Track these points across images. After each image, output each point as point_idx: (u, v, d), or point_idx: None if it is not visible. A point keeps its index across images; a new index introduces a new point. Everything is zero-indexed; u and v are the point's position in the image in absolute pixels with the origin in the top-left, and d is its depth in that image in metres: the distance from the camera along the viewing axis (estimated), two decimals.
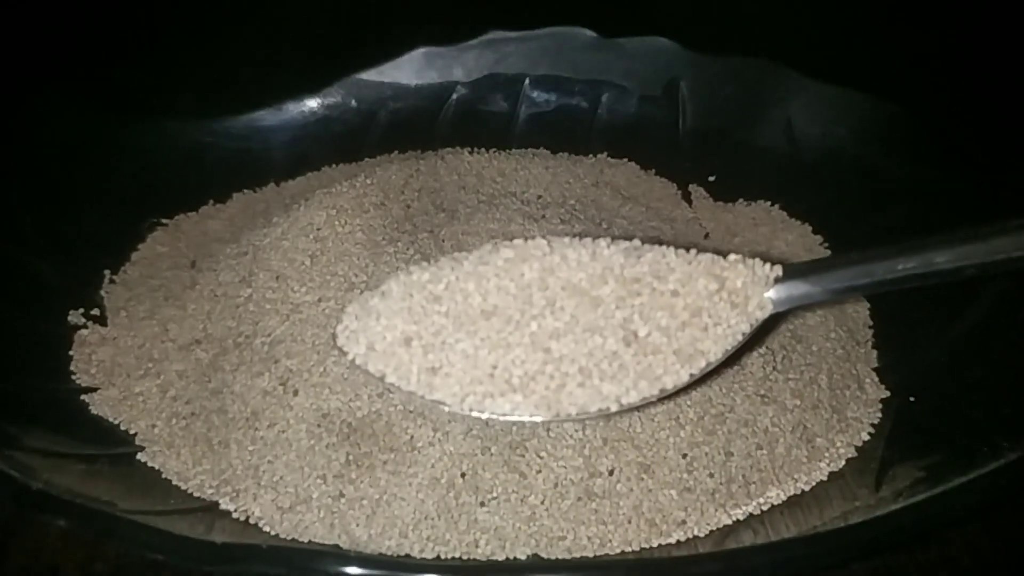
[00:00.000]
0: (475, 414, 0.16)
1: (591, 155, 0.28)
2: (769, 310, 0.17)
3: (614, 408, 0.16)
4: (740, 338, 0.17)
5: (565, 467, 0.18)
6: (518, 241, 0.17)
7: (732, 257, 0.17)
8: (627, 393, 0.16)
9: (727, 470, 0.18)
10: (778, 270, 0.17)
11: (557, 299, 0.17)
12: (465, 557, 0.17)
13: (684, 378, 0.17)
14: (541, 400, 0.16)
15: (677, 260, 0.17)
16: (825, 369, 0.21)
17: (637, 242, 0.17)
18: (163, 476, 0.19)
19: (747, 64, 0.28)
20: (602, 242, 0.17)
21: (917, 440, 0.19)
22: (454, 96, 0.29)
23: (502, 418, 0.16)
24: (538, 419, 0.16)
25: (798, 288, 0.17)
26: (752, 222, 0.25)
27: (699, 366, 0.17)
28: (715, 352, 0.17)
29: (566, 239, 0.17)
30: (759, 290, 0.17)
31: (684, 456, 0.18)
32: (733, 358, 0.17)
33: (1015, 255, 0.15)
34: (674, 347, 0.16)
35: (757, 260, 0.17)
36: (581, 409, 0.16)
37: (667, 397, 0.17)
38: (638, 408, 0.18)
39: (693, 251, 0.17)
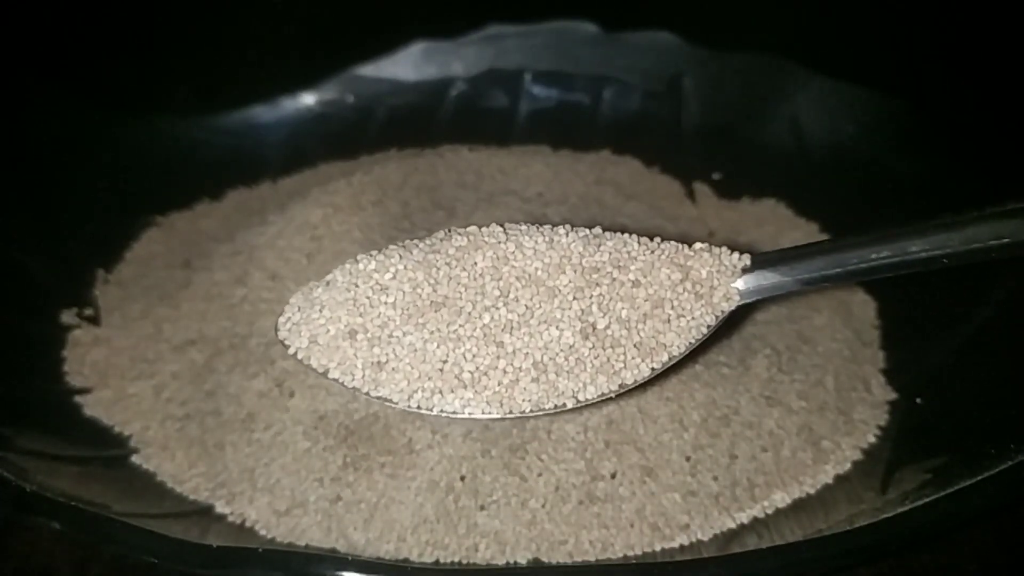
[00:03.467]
0: (423, 412, 0.16)
1: (593, 152, 0.27)
2: (736, 301, 0.16)
3: (570, 405, 0.16)
4: (705, 331, 0.16)
5: (566, 470, 0.18)
6: (472, 228, 0.16)
7: (697, 245, 0.17)
8: (584, 388, 0.16)
9: (731, 473, 0.18)
10: (746, 259, 0.17)
11: (511, 289, 0.16)
12: (464, 562, 0.17)
13: (645, 372, 0.16)
14: (493, 396, 0.16)
15: (639, 248, 0.16)
16: (831, 370, 0.20)
17: (598, 229, 0.17)
18: (157, 479, 0.18)
19: (753, 59, 0.27)
20: (561, 230, 0.16)
21: (924, 442, 0.19)
22: (453, 92, 0.29)
23: (452, 416, 0.16)
24: (489, 416, 0.16)
25: (767, 278, 0.16)
26: (758, 220, 0.25)
27: (661, 360, 0.16)
28: (678, 345, 0.16)
29: (523, 226, 0.16)
30: (726, 280, 0.16)
31: (688, 459, 0.18)
32: (699, 351, 0.17)
33: (990, 244, 0.15)
34: (634, 340, 0.16)
35: (724, 249, 0.17)
36: (535, 406, 0.16)
37: (627, 392, 0.16)
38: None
39: (656, 239, 0.17)
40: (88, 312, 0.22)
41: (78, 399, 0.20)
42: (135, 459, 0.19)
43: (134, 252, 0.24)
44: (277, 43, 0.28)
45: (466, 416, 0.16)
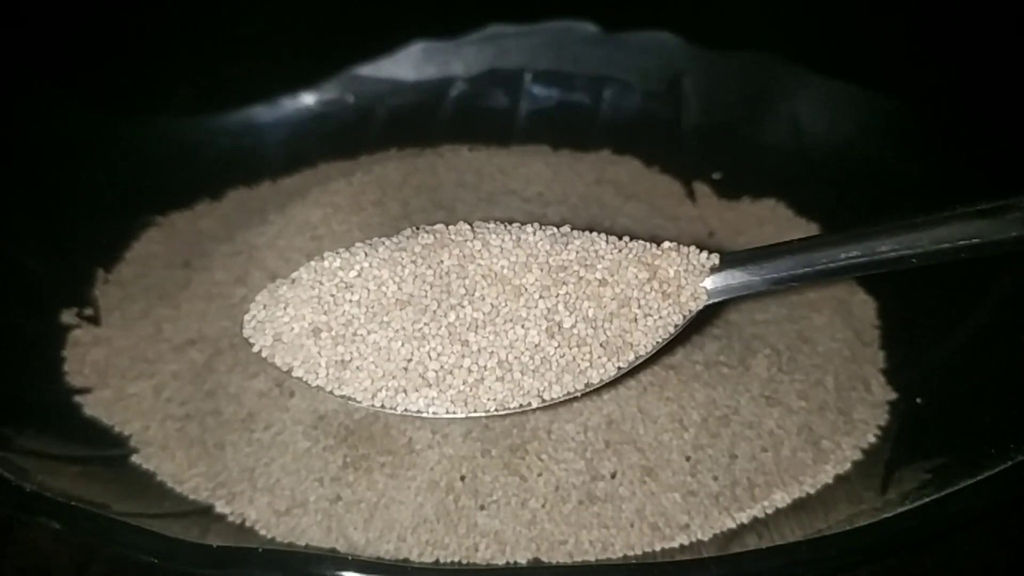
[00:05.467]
0: (387, 411, 0.16)
1: (593, 152, 0.27)
2: (704, 301, 0.16)
3: (535, 404, 0.16)
4: (672, 330, 0.16)
5: (566, 470, 0.18)
6: (439, 226, 0.16)
7: (666, 244, 0.17)
8: (549, 388, 0.16)
9: (731, 473, 0.18)
10: (715, 258, 0.17)
11: (477, 288, 0.16)
12: (464, 561, 0.17)
13: (611, 372, 0.16)
14: (458, 395, 0.16)
15: (606, 247, 0.16)
16: (831, 370, 0.20)
17: (567, 228, 0.17)
18: (157, 478, 0.18)
19: (752, 59, 0.27)
20: (528, 228, 0.16)
21: (924, 442, 0.19)
22: (453, 91, 0.29)
23: (417, 415, 0.16)
24: (454, 415, 0.16)
25: (736, 277, 0.16)
26: (758, 220, 0.25)
27: (627, 359, 0.16)
28: (645, 344, 0.16)
29: (491, 224, 0.16)
30: (693, 279, 0.16)
31: (688, 459, 0.18)
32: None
33: (959, 244, 0.15)
34: (600, 339, 0.16)
35: (693, 248, 0.17)
36: (500, 405, 0.16)
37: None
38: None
39: (625, 238, 0.17)
40: (88, 312, 0.22)
41: (78, 399, 0.20)
42: (135, 459, 0.19)
43: (134, 252, 0.24)
44: (277, 43, 0.28)
45: (430, 415, 0.16)
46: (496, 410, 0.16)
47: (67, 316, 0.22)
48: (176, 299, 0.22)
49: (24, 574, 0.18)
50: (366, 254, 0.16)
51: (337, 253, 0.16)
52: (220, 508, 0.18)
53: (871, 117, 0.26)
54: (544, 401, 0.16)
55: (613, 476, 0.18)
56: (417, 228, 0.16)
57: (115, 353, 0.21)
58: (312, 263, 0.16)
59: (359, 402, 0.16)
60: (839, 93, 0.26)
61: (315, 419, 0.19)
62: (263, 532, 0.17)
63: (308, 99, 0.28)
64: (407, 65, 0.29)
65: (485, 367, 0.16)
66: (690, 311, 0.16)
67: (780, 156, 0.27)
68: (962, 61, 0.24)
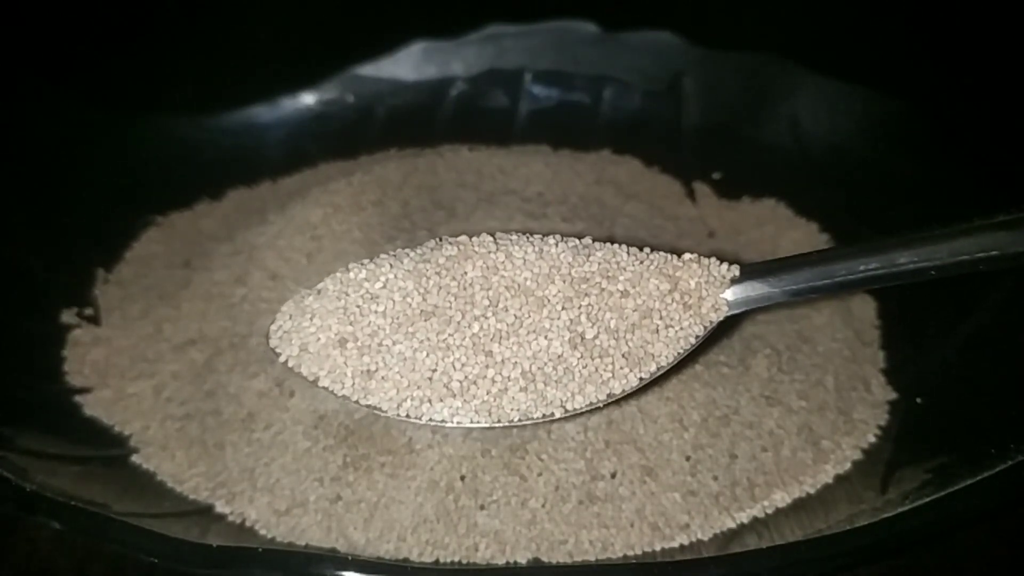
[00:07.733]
0: (412, 420, 0.16)
1: (593, 152, 0.27)
2: (724, 312, 0.17)
3: (558, 414, 0.16)
4: (693, 341, 0.16)
5: (566, 470, 0.18)
6: (462, 237, 0.17)
7: (686, 256, 0.17)
8: (572, 398, 0.16)
9: (731, 473, 0.18)
10: (735, 270, 0.17)
11: (501, 299, 0.16)
12: (464, 561, 0.17)
13: (633, 382, 0.16)
14: (482, 405, 0.16)
15: (628, 259, 0.17)
16: (831, 370, 0.20)
17: (588, 240, 0.17)
18: (157, 478, 0.18)
19: (753, 59, 0.27)
20: (551, 240, 0.17)
21: (924, 442, 0.19)
22: (453, 91, 0.29)
23: (441, 425, 0.16)
24: (477, 425, 0.16)
25: (756, 289, 0.17)
26: (758, 220, 0.25)
27: (649, 370, 0.16)
28: (666, 356, 0.16)
29: (513, 235, 0.17)
30: (714, 291, 0.17)
31: (688, 459, 0.18)
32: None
33: (977, 256, 0.15)
34: (623, 350, 0.16)
35: (713, 259, 0.17)
36: (524, 415, 0.16)
37: (615, 401, 0.16)
38: (627, 402, 0.17)
39: (646, 250, 0.17)
40: (88, 312, 0.22)
41: (78, 399, 0.20)
42: (135, 459, 0.19)
43: (134, 252, 0.24)
44: (277, 43, 0.28)
45: (455, 425, 0.16)
46: (520, 420, 0.16)
47: (67, 316, 0.22)
48: (176, 299, 0.22)
49: (24, 574, 0.18)
50: (391, 265, 0.16)
51: (362, 264, 0.16)
52: (220, 508, 0.18)
53: (871, 118, 0.26)
54: (567, 411, 0.16)
55: (613, 476, 0.18)
56: (440, 239, 0.17)
57: (115, 353, 0.21)
58: (338, 274, 0.17)
59: (384, 412, 0.16)
60: (839, 93, 0.26)
61: (315, 419, 0.19)
62: (263, 532, 0.17)
63: (308, 99, 0.28)
64: (407, 65, 0.29)
65: (509, 377, 0.16)
66: (711, 322, 0.17)
67: (780, 156, 0.27)
68: (962, 61, 0.24)
